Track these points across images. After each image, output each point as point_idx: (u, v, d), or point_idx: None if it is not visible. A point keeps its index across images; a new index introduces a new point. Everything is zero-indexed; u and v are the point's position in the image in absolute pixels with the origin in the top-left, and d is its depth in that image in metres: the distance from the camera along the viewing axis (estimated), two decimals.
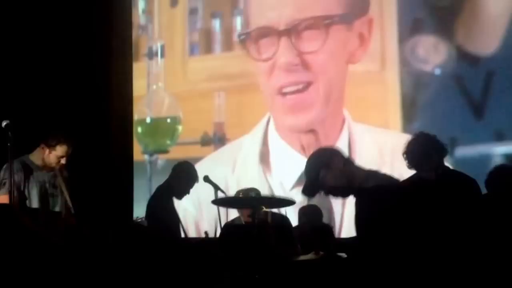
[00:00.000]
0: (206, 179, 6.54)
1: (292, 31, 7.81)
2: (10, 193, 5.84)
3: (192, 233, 7.84)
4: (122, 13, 8.66)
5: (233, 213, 6.79)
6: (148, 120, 8.60)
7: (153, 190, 7.07)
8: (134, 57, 8.68)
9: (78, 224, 6.08)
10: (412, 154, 5.18)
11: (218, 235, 6.58)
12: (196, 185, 6.67)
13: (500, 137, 7.16)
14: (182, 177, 6.58)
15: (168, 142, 8.49)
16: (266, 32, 7.97)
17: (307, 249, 5.96)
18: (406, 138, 5.45)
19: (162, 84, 8.56)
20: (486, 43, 7.28)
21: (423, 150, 5.16)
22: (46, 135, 6.17)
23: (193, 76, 8.48)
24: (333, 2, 7.80)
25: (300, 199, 6.57)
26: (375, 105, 7.68)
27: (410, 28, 7.58)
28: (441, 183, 5.09)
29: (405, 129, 7.44)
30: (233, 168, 8.04)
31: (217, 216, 6.39)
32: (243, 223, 6.46)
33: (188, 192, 6.61)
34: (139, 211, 7.37)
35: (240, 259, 5.74)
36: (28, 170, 6.04)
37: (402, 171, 5.30)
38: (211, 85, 8.30)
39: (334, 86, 7.77)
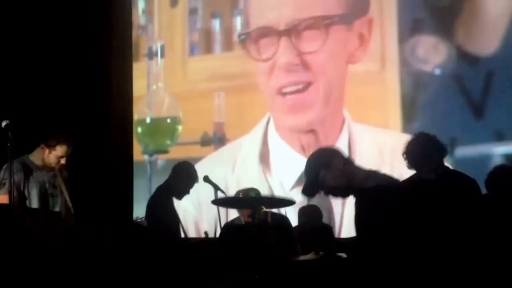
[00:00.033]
0: (206, 179, 6.54)
1: (292, 31, 7.81)
2: (10, 193, 5.84)
3: (192, 233, 7.84)
4: (122, 13, 8.66)
5: (233, 213, 6.78)
6: (148, 120, 8.60)
7: (153, 190, 7.07)
8: (134, 57, 8.68)
9: (77, 224, 6.08)
10: (412, 154, 5.18)
11: (218, 235, 6.57)
12: (196, 185, 6.67)
13: (500, 137, 7.16)
14: (182, 177, 6.58)
15: (168, 142, 8.49)
16: (266, 32, 7.97)
17: (307, 249, 5.96)
18: (406, 138, 5.44)
19: (162, 84, 8.55)
20: (486, 43, 7.27)
21: (423, 150, 5.16)
22: (46, 135, 6.17)
23: (193, 76, 8.47)
24: (333, 2, 7.80)
25: (300, 199, 6.56)
26: (375, 105, 7.68)
27: (410, 28, 7.57)
28: (441, 183, 5.09)
29: (405, 129, 7.44)
30: (233, 168, 8.03)
31: (217, 216, 6.39)
32: (243, 223, 6.46)
33: (188, 192, 6.61)
34: (139, 211, 7.37)
35: (240, 259, 5.74)
36: (28, 170, 6.04)
37: (402, 171, 5.30)
38: (211, 85, 8.30)
39: (334, 86, 7.77)
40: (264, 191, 7.02)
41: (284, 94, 7.88)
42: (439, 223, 4.49)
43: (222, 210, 6.44)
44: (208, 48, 8.51)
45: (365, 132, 7.61)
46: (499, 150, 7.12)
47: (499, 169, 5.74)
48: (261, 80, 8.00)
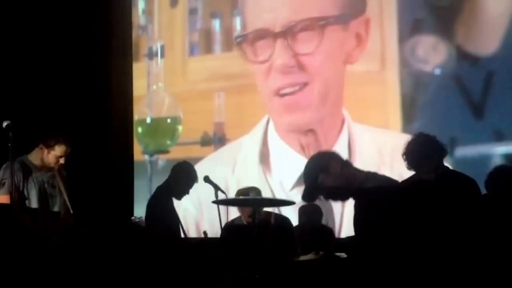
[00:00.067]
0: (207, 179, 6.54)
1: (288, 33, 7.81)
2: (11, 193, 5.85)
3: (192, 233, 7.84)
4: (122, 13, 8.67)
5: (234, 214, 6.79)
6: (148, 120, 8.60)
7: (154, 190, 7.07)
8: (134, 57, 8.68)
9: (76, 224, 6.08)
10: (412, 155, 5.17)
11: (218, 235, 6.58)
12: (196, 186, 6.67)
13: (499, 137, 7.16)
14: (181, 177, 6.58)
15: (168, 142, 8.49)
16: (262, 34, 7.97)
17: (307, 249, 5.97)
18: (405, 138, 5.44)
19: (162, 84, 8.56)
20: (486, 43, 7.28)
21: (422, 151, 5.15)
22: (46, 135, 6.17)
23: (193, 76, 8.48)
24: (329, 3, 7.80)
25: (300, 199, 6.57)
26: (375, 105, 7.68)
27: (410, 28, 7.57)
28: (441, 183, 5.08)
29: (405, 129, 7.44)
30: (233, 168, 8.04)
31: (218, 216, 6.39)
32: (244, 223, 6.46)
33: (187, 192, 6.61)
34: (140, 211, 7.38)
35: (241, 259, 5.74)
36: (27, 170, 6.03)
37: (401, 171, 5.30)
38: (211, 85, 8.31)
39: (331, 87, 7.77)
40: (264, 191, 7.02)
41: (282, 95, 7.88)
42: (438, 224, 4.50)
43: (223, 210, 6.44)
44: (208, 48, 8.51)
45: (365, 132, 7.61)
46: (498, 150, 7.12)
47: (499, 170, 5.74)
48: (259, 82, 8.01)
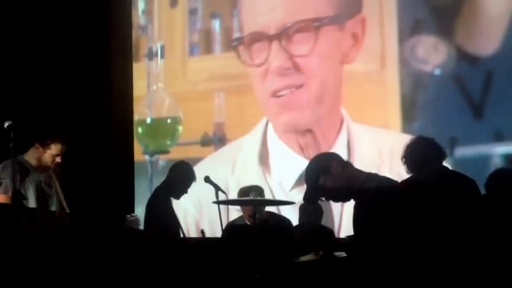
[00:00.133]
0: (207, 179, 6.55)
1: (283, 35, 7.80)
2: (13, 193, 5.86)
3: (192, 234, 7.85)
4: (122, 14, 8.67)
5: (234, 214, 6.80)
6: (148, 120, 8.61)
7: None
8: (134, 57, 8.68)
9: (72, 223, 6.07)
10: (411, 158, 5.15)
11: (218, 235, 6.59)
12: (196, 186, 6.68)
13: (499, 137, 7.16)
14: (180, 177, 6.59)
15: (169, 142, 8.49)
16: (258, 37, 7.97)
17: (307, 249, 5.97)
18: (405, 138, 5.44)
19: (162, 85, 8.56)
20: (486, 43, 7.27)
21: (421, 154, 5.13)
22: (44, 135, 6.16)
23: (193, 77, 8.48)
24: (324, 4, 7.79)
25: (299, 199, 6.57)
26: (374, 105, 7.68)
27: (410, 28, 7.57)
28: (440, 183, 5.07)
29: (405, 129, 7.44)
30: (232, 169, 8.04)
31: (218, 217, 6.40)
32: (246, 223, 6.48)
33: (186, 192, 6.62)
34: (140, 211, 7.38)
35: (241, 259, 5.75)
36: (24, 170, 6.02)
37: (401, 171, 5.29)
38: (211, 86, 8.31)
39: (328, 87, 7.77)
40: (264, 192, 7.03)
41: (279, 97, 7.88)
42: (438, 224, 4.49)
43: (223, 210, 6.45)
44: (208, 49, 8.51)
45: (364, 132, 7.61)
46: (498, 150, 7.12)
47: (498, 172, 5.74)
48: (256, 84, 8.01)
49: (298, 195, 7.14)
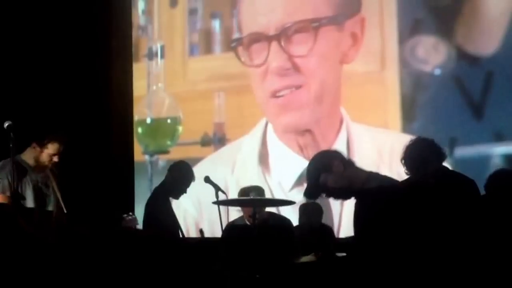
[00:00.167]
0: (207, 180, 6.55)
1: (282, 35, 7.80)
2: (11, 193, 5.85)
3: (192, 234, 7.86)
4: (122, 14, 8.66)
5: (234, 214, 6.80)
6: (148, 120, 8.61)
7: None
8: (134, 57, 8.68)
9: (69, 223, 6.07)
10: (410, 160, 5.15)
11: (218, 235, 6.58)
12: (196, 186, 6.68)
13: (499, 138, 7.16)
14: (179, 177, 6.59)
15: (169, 142, 8.49)
16: (257, 37, 7.98)
17: (307, 249, 5.97)
18: (405, 138, 5.44)
19: (162, 85, 8.56)
20: (486, 43, 7.28)
21: (421, 155, 5.13)
22: (42, 135, 6.16)
23: (193, 77, 8.48)
24: (323, 4, 7.79)
25: (299, 199, 6.58)
26: (375, 105, 7.68)
27: (410, 28, 7.58)
28: (440, 184, 5.08)
29: (405, 130, 7.45)
30: (232, 169, 8.04)
31: (218, 217, 6.40)
32: (246, 223, 6.48)
33: (185, 192, 6.62)
34: (140, 211, 7.37)
35: (241, 259, 5.75)
36: (21, 170, 6.01)
37: (400, 171, 5.28)
38: (211, 86, 8.31)
39: (327, 87, 7.77)
40: (264, 192, 7.03)
41: (278, 97, 7.88)
42: (437, 224, 4.49)
43: (223, 210, 6.45)
44: (208, 49, 8.51)
45: (364, 132, 7.61)
46: (498, 151, 7.13)
47: (498, 173, 5.75)
48: (255, 85, 8.01)
49: (297, 195, 7.15)
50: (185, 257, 5.89)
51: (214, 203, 6.35)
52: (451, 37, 7.41)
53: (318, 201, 6.83)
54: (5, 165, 5.93)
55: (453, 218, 4.73)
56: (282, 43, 7.81)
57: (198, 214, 8.05)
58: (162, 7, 8.66)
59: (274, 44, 7.85)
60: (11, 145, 5.81)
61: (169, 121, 8.51)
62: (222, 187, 6.62)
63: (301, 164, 7.62)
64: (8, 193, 5.87)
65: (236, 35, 8.24)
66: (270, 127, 8.02)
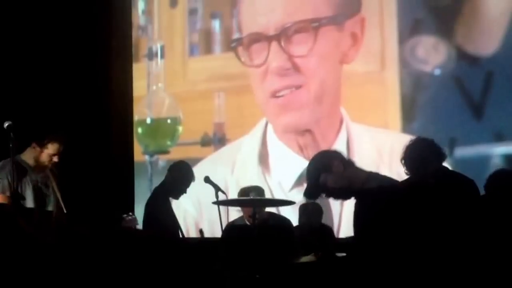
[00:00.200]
0: (207, 180, 6.56)
1: (282, 35, 7.80)
2: (11, 193, 5.86)
3: (192, 234, 7.86)
4: (122, 14, 8.67)
5: (234, 214, 6.80)
6: (148, 120, 8.61)
7: None
8: (134, 57, 8.68)
9: (69, 223, 6.07)
10: (410, 160, 5.15)
11: (218, 235, 6.59)
12: (196, 186, 6.68)
13: (499, 138, 7.16)
14: (178, 177, 6.60)
15: (169, 142, 8.50)
16: (257, 38, 7.97)
17: (307, 249, 5.97)
18: (405, 138, 5.44)
19: (162, 85, 8.56)
20: (486, 44, 7.28)
21: (421, 156, 5.13)
22: (42, 135, 6.16)
23: (193, 77, 8.48)
24: (323, 4, 7.79)
25: (299, 199, 6.58)
26: (375, 106, 7.68)
27: (410, 28, 7.57)
28: (439, 184, 5.08)
29: (405, 130, 7.44)
30: (232, 169, 8.05)
31: (218, 217, 6.40)
32: (246, 223, 6.48)
33: (185, 192, 6.63)
34: (140, 211, 7.37)
35: (241, 259, 5.75)
36: (21, 170, 6.02)
37: (400, 171, 5.28)
38: (211, 86, 8.31)
39: (326, 87, 7.77)
40: (264, 192, 7.03)
41: (278, 97, 7.88)
42: (437, 224, 4.49)
43: (223, 210, 6.45)
44: (208, 49, 8.51)
45: (363, 132, 7.61)
46: (498, 151, 7.13)
47: (498, 173, 5.75)
48: (255, 85, 8.01)
49: (297, 195, 7.15)
50: (185, 257, 5.89)
51: (214, 203, 6.35)
52: (451, 37, 7.41)
53: (318, 201, 6.83)
54: (5, 165, 5.93)
55: (452, 218, 4.73)
56: (282, 43, 7.81)
57: (198, 214, 8.05)
58: (162, 7, 8.66)
59: (274, 44, 7.85)
60: (11, 145, 5.82)
61: (169, 121, 8.51)
62: (222, 187, 6.62)
63: (301, 164, 7.62)
64: (8, 193, 5.87)
65: (236, 35, 8.24)
66: (270, 127, 8.02)
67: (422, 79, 7.48)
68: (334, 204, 7.34)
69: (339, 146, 7.55)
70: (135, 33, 8.73)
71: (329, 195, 4.32)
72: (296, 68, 7.77)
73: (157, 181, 7.14)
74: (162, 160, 8.42)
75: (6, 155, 5.93)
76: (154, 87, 8.58)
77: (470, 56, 7.32)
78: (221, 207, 6.38)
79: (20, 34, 8.17)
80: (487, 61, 7.23)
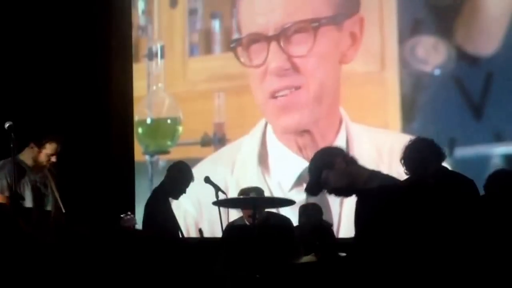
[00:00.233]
0: (207, 180, 6.56)
1: (281, 36, 7.80)
2: (10, 193, 5.86)
3: (193, 234, 7.87)
4: (122, 14, 8.67)
5: (234, 214, 6.80)
6: (148, 121, 8.61)
7: None
8: (134, 58, 8.69)
9: (69, 223, 6.08)
10: (410, 160, 5.15)
11: (218, 235, 6.59)
12: (196, 186, 6.68)
13: (499, 138, 7.16)
14: (177, 177, 6.60)
15: (169, 143, 8.50)
16: (256, 38, 7.97)
17: (307, 249, 5.97)
18: (404, 138, 5.44)
19: (162, 85, 8.56)
20: (486, 44, 7.27)
21: (420, 156, 5.14)
22: (40, 135, 6.17)
23: (193, 77, 8.48)
24: (322, 4, 7.78)
25: (299, 199, 6.59)
26: (374, 106, 7.68)
27: (410, 28, 7.57)
28: (439, 184, 5.08)
29: (405, 130, 7.44)
30: (232, 169, 8.05)
31: (218, 217, 6.41)
32: (246, 223, 6.48)
33: (184, 192, 6.63)
34: (141, 211, 7.38)
35: (241, 259, 5.75)
36: (20, 170, 6.02)
37: (400, 171, 5.28)
38: (211, 86, 8.31)
39: (326, 87, 7.76)
40: (264, 193, 7.03)
41: (277, 98, 7.88)
42: (437, 224, 4.50)
43: (223, 210, 6.46)
44: (208, 49, 8.51)
45: (363, 132, 7.61)
46: (498, 151, 7.13)
47: (497, 173, 5.75)
48: (254, 85, 8.01)
49: (297, 195, 7.15)
50: (185, 257, 5.90)
51: (214, 203, 6.35)
52: (451, 37, 7.41)
53: (317, 201, 6.85)
54: (4, 165, 5.95)
55: (452, 218, 4.73)
56: (282, 44, 7.81)
57: (198, 214, 8.05)
58: (162, 7, 8.66)
59: (273, 45, 7.84)
60: (12, 146, 5.82)
61: (169, 121, 8.51)
62: (222, 188, 6.62)
63: (301, 164, 7.63)
64: (6, 193, 5.88)
65: (235, 36, 8.24)
66: (269, 127, 8.02)
67: (422, 79, 7.48)
68: (333, 204, 7.35)
69: (339, 145, 7.54)
70: (135, 33, 8.73)
71: (330, 191, 4.31)
72: (295, 69, 7.77)
73: (158, 181, 7.15)
74: (163, 160, 8.42)
75: (6, 155, 5.95)
76: (154, 87, 8.59)
77: (470, 56, 7.31)
78: (221, 207, 6.39)
79: (20, 34, 8.18)
80: (487, 61, 7.22)
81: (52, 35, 8.28)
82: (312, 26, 7.71)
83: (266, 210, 6.63)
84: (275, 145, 7.96)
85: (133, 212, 7.98)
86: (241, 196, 6.59)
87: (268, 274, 5.52)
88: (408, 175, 5.18)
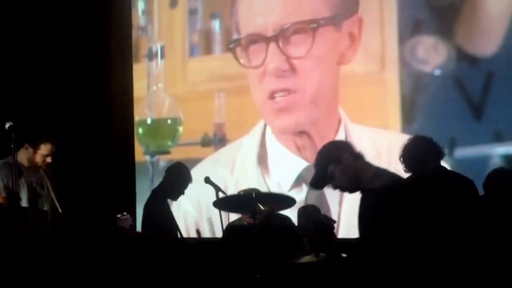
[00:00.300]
0: (207, 180, 6.56)
1: (280, 37, 7.79)
2: (7, 194, 5.87)
3: (193, 235, 7.86)
4: (121, 14, 8.68)
5: (234, 215, 6.80)
6: (148, 121, 8.62)
7: None
8: (134, 58, 8.70)
9: (64, 223, 6.08)
10: (409, 158, 5.16)
11: (218, 235, 6.59)
12: (196, 187, 6.69)
13: (499, 138, 7.15)
14: (176, 178, 6.61)
15: (169, 143, 8.50)
16: (255, 39, 7.96)
17: (307, 249, 5.97)
18: (404, 138, 5.44)
19: (162, 85, 8.57)
20: (486, 44, 7.27)
21: (419, 153, 5.14)
22: (36, 135, 6.18)
23: (193, 77, 8.48)
24: (321, 5, 7.77)
25: (298, 199, 6.58)
26: (374, 106, 7.67)
27: (410, 28, 7.56)
28: (438, 183, 5.09)
29: (405, 130, 7.43)
30: (231, 169, 8.05)
31: (218, 217, 6.41)
32: (245, 223, 6.48)
33: (182, 193, 6.64)
34: (141, 212, 7.39)
35: (242, 259, 5.76)
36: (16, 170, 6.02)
37: (399, 171, 5.29)
38: (211, 86, 8.31)
39: (323, 89, 7.75)
40: None
41: (275, 99, 7.88)
42: (436, 224, 4.50)
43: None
44: (208, 49, 8.51)
45: (362, 132, 7.60)
46: (498, 151, 7.13)
47: (496, 172, 5.76)
48: (253, 86, 8.00)
49: (296, 195, 7.15)
50: (185, 258, 5.90)
51: (214, 203, 6.35)
52: (451, 37, 7.40)
53: (317, 201, 6.86)
54: (0, 166, 5.96)
55: (451, 218, 4.74)
56: (280, 44, 7.81)
57: (198, 214, 8.05)
58: (162, 8, 8.66)
59: (272, 45, 7.84)
60: (12, 146, 5.83)
61: (169, 121, 8.51)
62: (222, 188, 6.63)
63: (300, 164, 7.63)
64: (3, 194, 5.89)
65: (234, 36, 8.24)
66: (268, 128, 8.02)
67: (422, 79, 7.47)
68: (332, 204, 7.34)
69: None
70: (135, 33, 8.74)
71: (335, 186, 4.32)
72: (293, 70, 7.76)
73: (158, 181, 7.15)
74: (163, 161, 8.43)
75: (5, 155, 5.95)
76: (154, 88, 8.59)
77: (470, 56, 7.31)
78: None
79: (20, 35, 8.18)
80: (487, 61, 7.21)
81: (52, 35, 8.28)
82: (311, 27, 7.70)
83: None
84: (274, 146, 7.96)
85: (134, 213, 8.00)
86: (242, 195, 6.57)
87: (268, 274, 5.52)
88: (407, 173, 5.18)
